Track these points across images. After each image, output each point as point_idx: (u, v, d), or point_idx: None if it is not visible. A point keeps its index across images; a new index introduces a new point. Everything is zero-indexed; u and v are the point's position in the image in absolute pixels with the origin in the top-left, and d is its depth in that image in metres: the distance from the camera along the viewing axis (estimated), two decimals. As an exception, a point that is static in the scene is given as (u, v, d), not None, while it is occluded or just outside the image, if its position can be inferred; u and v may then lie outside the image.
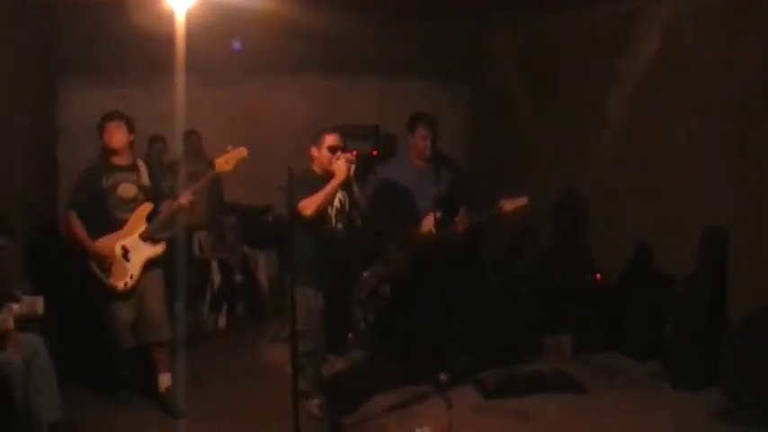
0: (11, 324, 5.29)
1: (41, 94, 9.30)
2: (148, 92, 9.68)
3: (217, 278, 8.95)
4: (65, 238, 7.03)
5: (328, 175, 5.69)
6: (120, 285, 6.06)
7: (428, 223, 6.46)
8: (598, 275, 8.03)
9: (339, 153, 5.69)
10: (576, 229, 8.97)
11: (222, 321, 8.86)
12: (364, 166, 8.60)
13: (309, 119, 9.02)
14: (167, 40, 8.28)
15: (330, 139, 5.77)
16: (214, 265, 8.99)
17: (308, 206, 5.55)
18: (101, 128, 6.19)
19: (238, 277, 9.11)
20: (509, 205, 6.49)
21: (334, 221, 5.84)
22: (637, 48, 8.04)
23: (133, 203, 6.17)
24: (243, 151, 6.07)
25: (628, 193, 8.17)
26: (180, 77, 8.45)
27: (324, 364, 6.11)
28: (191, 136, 9.29)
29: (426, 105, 10.87)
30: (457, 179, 6.79)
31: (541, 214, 8.78)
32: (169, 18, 8.11)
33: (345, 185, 5.74)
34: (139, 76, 9.79)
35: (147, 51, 9.18)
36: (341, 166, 5.59)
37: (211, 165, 8.59)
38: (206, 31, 8.82)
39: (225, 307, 8.92)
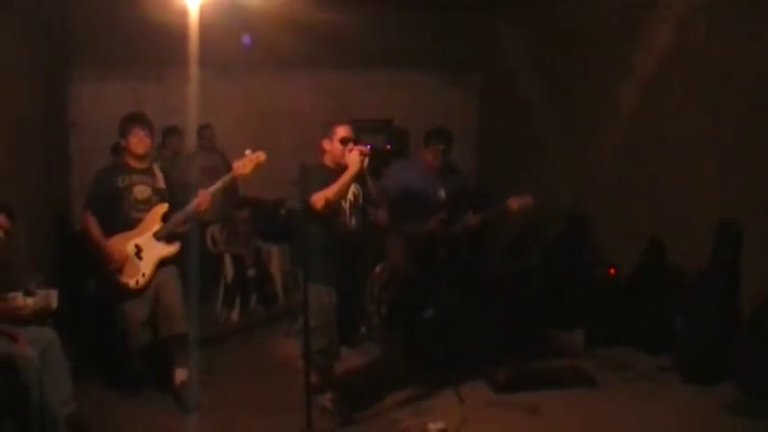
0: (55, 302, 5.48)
1: (54, 87, 9.33)
2: (160, 85, 9.74)
3: (230, 272, 8.96)
4: (78, 233, 7.06)
5: (340, 168, 5.66)
6: (132, 283, 6.07)
7: (434, 223, 6.54)
8: (612, 269, 8.01)
9: (351, 145, 5.69)
10: (587, 224, 8.97)
11: (235, 315, 8.87)
12: (379, 161, 8.65)
13: (321, 113, 9.05)
14: (179, 34, 8.33)
15: (342, 131, 5.76)
16: (227, 258, 9.00)
17: (320, 199, 5.51)
18: (125, 130, 6.16)
19: (251, 271, 9.11)
20: (514, 204, 6.61)
21: (348, 215, 5.81)
22: (649, 39, 8.00)
23: (148, 204, 6.17)
24: (261, 155, 6.05)
25: (641, 186, 8.14)
26: (192, 71, 8.49)
27: (337, 361, 6.14)
28: (204, 130, 9.36)
29: (437, 97, 10.96)
30: (464, 185, 6.93)
31: (552, 208, 8.80)
32: (181, 12, 8.15)
33: (359, 178, 5.72)
34: (151, 69, 9.84)
35: (159, 45, 9.21)
36: (354, 158, 5.57)
37: (225, 159, 8.70)
38: (218, 26, 8.87)
39: (238, 301, 8.94)
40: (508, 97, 10.87)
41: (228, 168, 6.29)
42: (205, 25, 8.34)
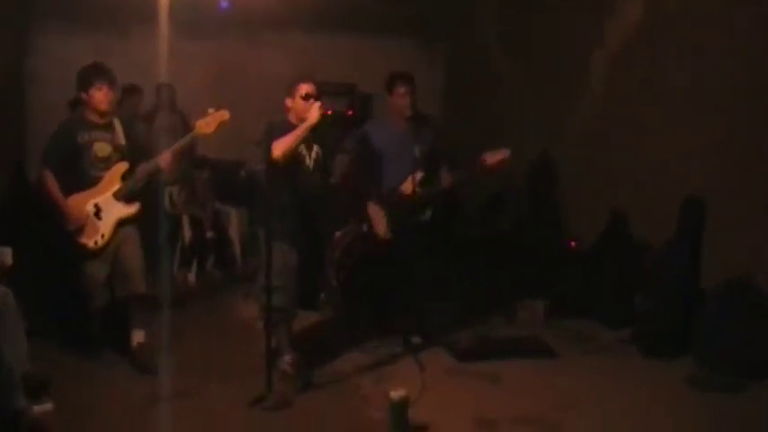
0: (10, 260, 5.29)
1: (15, 39, 9.12)
2: (124, 42, 9.58)
3: (187, 233, 8.87)
4: (34, 188, 6.91)
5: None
6: (91, 244, 5.97)
7: (409, 184, 6.45)
8: (573, 242, 8.03)
9: (313, 101, 5.67)
10: (551, 193, 8.96)
11: (192, 277, 8.81)
12: (341, 126, 8.54)
13: (286, 76, 8.86)
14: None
15: (305, 87, 5.75)
16: (185, 220, 8.90)
17: (279, 146, 5.51)
18: (88, 83, 5.95)
19: (209, 233, 9.04)
20: (491, 159, 6.44)
21: (311, 172, 5.84)
22: (620, 9, 7.98)
23: (108, 162, 6.02)
24: (225, 114, 5.92)
25: (605, 158, 8.14)
26: (158, 29, 8.33)
27: (294, 320, 6.08)
28: (163, 89, 9.15)
29: (404, 64, 10.85)
30: (437, 138, 6.73)
31: (517, 176, 8.78)
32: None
33: (319, 138, 5.77)
34: (116, 25, 9.67)
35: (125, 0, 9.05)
36: (314, 109, 5.56)
37: (185, 118, 8.55)
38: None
39: (195, 263, 8.86)
40: (477, 65, 10.82)
41: (188, 128, 6.17)
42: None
